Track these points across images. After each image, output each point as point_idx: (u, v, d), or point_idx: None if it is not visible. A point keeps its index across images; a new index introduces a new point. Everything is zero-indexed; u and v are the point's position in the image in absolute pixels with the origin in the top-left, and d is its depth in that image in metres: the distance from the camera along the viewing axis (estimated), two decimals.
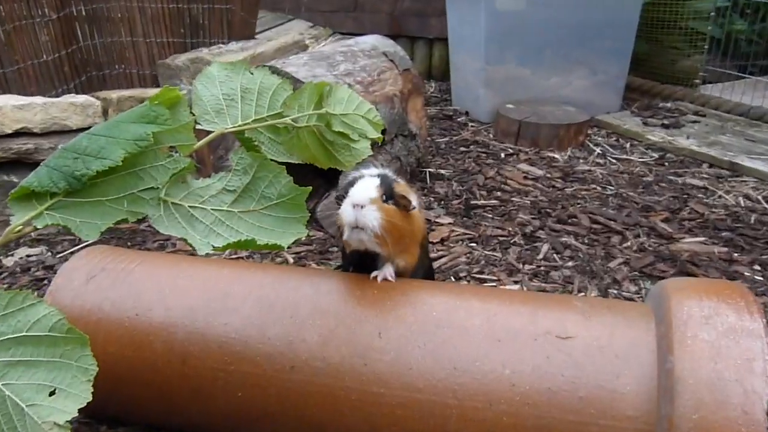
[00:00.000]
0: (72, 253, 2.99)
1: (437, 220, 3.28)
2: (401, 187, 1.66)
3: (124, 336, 1.65)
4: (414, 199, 1.67)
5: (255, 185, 1.42)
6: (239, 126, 1.48)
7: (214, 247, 1.33)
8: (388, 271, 1.67)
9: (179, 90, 1.40)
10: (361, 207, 1.55)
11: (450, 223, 3.25)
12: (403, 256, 1.69)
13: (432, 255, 2.87)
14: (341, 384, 1.51)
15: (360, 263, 1.68)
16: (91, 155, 1.23)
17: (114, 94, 3.60)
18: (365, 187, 1.57)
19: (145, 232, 3.21)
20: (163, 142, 1.34)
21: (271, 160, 1.44)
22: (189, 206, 1.37)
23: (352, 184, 1.62)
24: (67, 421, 1.10)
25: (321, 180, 3.16)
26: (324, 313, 1.58)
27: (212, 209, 1.39)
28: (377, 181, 1.60)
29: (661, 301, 1.49)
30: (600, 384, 1.40)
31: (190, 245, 1.32)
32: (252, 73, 1.52)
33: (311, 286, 1.65)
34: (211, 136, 1.47)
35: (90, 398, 1.13)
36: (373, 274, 1.68)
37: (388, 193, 1.59)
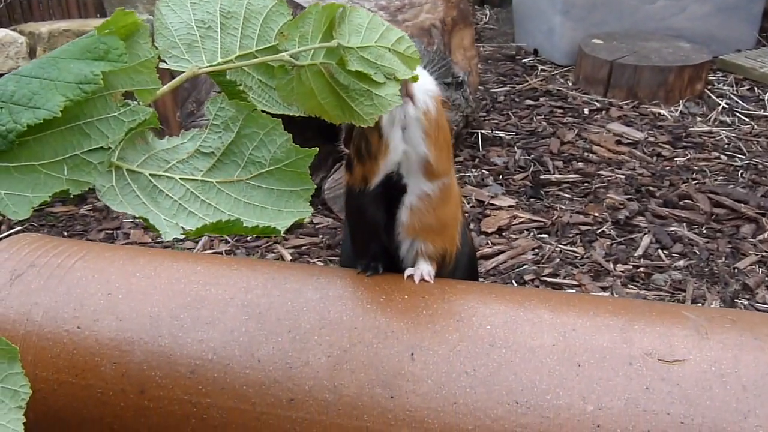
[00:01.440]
0: None
1: (493, 202, 3.29)
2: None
3: (62, 356, 1.69)
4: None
5: (240, 146, 1.42)
6: (219, 64, 1.50)
7: (184, 230, 1.35)
8: (425, 269, 1.70)
9: (137, 15, 1.42)
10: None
11: (511, 206, 3.27)
12: (439, 239, 1.72)
13: (484, 250, 2.89)
14: (359, 424, 1.54)
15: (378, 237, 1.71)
16: (19, 104, 1.24)
17: (44, 27, 3.65)
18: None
19: (86, 217, 3.28)
20: (115, 87, 1.36)
21: (263, 111, 1.46)
22: (150, 174, 1.39)
23: None
24: None
25: (329, 145, 3.19)
26: (335, 326, 1.61)
27: (182, 179, 1.40)
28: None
29: None
30: (721, 426, 1.41)
31: (152, 227, 1.34)
32: None
33: (316, 289, 1.68)
34: (180, 77, 1.48)
35: (21, 430, 1.16)
36: (408, 272, 1.71)
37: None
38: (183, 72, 1.48)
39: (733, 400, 1.43)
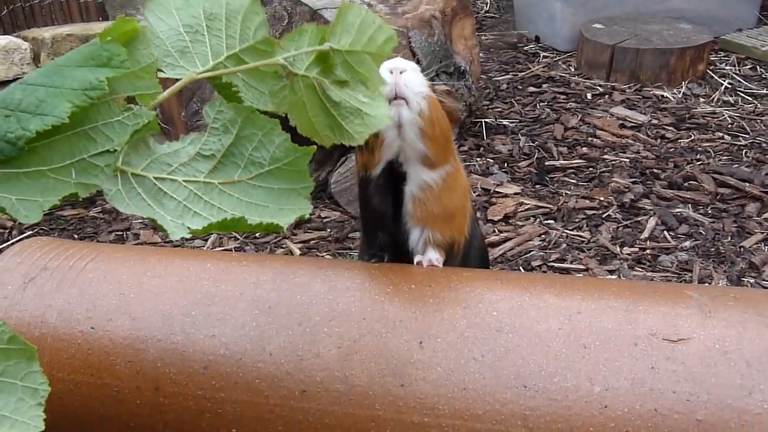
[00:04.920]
0: (1, 249, 3.09)
1: (499, 189, 3.32)
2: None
3: (77, 356, 1.72)
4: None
5: (239, 147, 1.45)
6: (213, 68, 1.52)
7: (190, 229, 1.38)
8: (433, 256, 1.73)
9: (137, 22, 1.45)
10: (401, 72, 1.63)
11: (517, 194, 3.29)
12: (447, 228, 1.75)
13: (491, 238, 2.91)
14: (370, 413, 1.56)
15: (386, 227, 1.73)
16: (27, 111, 1.27)
17: (47, 33, 3.68)
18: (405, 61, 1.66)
19: (96, 220, 3.31)
20: (118, 92, 1.38)
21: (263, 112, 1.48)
22: (154, 178, 1.42)
23: None
24: None
25: None
26: (344, 317, 1.63)
27: (185, 181, 1.43)
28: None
29: None
30: (726, 402, 1.43)
31: (160, 227, 1.37)
32: None
33: (325, 281, 1.70)
34: (178, 84, 1.50)
35: (42, 426, 1.19)
36: (417, 258, 1.74)
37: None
38: (180, 78, 1.50)
39: (738, 377, 1.45)
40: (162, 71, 1.49)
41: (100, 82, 1.30)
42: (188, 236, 1.38)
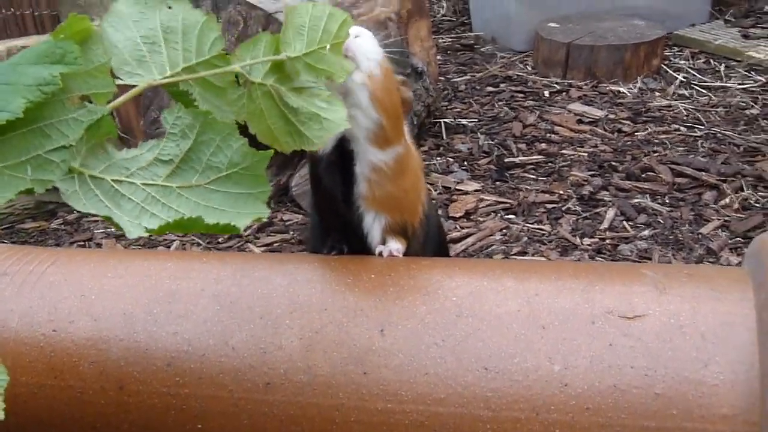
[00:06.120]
0: None
1: (459, 187, 3.34)
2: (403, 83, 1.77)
3: (39, 359, 1.72)
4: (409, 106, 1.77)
5: (197, 152, 1.46)
6: (170, 76, 1.53)
7: (147, 228, 1.39)
8: (393, 246, 1.75)
9: (90, 20, 1.46)
10: (355, 36, 1.63)
11: (477, 190, 3.32)
12: (400, 211, 1.77)
13: (452, 234, 2.93)
14: (334, 402, 1.58)
15: (333, 196, 1.75)
16: None
17: (1, 46, 3.67)
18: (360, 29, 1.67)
19: (58, 231, 3.30)
20: (72, 91, 1.39)
21: None
22: (112, 180, 1.43)
23: None
24: None
25: None
26: (305, 308, 1.64)
27: (143, 184, 1.44)
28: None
29: (763, 259, 1.55)
30: (683, 375, 1.46)
31: (117, 226, 1.38)
32: (170, 7, 1.56)
33: (285, 275, 1.71)
34: (136, 89, 1.51)
35: (1, 416, 1.20)
36: (378, 249, 1.76)
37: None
38: (137, 85, 1.51)
39: (693, 350, 1.48)
40: (119, 78, 1.50)
41: (53, 77, 1.31)
42: (145, 235, 1.39)
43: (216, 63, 1.55)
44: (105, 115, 1.39)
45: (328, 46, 1.55)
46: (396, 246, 1.76)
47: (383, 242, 1.77)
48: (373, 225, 1.76)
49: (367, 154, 1.70)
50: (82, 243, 3.19)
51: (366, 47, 1.65)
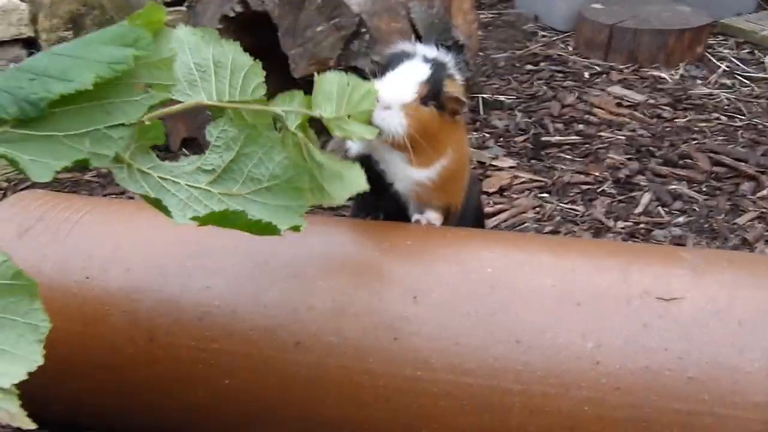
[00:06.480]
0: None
1: (495, 163, 3.32)
2: (454, 85, 1.72)
3: (72, 306, 1.73)
4: (466, 104, 1.74)
5: (239, 164, 1.52)
6: (218, 102, 1.58)
7: (192, 217, 1.43)
8: (432, 215, 1.74)
9: (164, 13, 1.49)
10: (387, 108, 1.64)
11: (512, 167, 3.30)
12: (444, 197, 1.76)
13: (486, 209, 2.92)
14: (363, 366, 1.58)
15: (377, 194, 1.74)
16: (53, 77, 1.32)
17: None
18: (403, 80, 1.66)
19: (91, 183, 3.31)
20: (139, 77, 1.43)
21: None
22: (159, 177, 1.48)
23: (394, 62, 1.72)
24: (13, 385, 1.21)
25: None
26: (338, 270, 1.64)
27: (187, 184, 1.49)
28: (425, 70, 1.68)
29: None
30: (717, 361, 1.44)
31: (165, 210, 1.42)
32: (222, 46, 1.62)
33: (320, 235, 1.71)
34: (185, 104, 1.57)
35: (41, 361, 1.24)
36: (415, 217, 1.76)
37: (435, 91, 1.67)
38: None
39: (730, 336, 1.46)
40: (171, 94, 1.55)
41: (126, 56, 1.36)
42: (190, 223, 1.44)
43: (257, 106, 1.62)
44: (156, 121, 1.47)
45: (351, 114, 1.63)
46: (434, 215, 1.75)
47: (421, 212, 1.76)
48: (416, 207, 1.76)
49: (407, 174, 1.72)
50: (115, 196, 3.20)
51: (391, 118, 1.65)
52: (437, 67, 1.70)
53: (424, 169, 1.71)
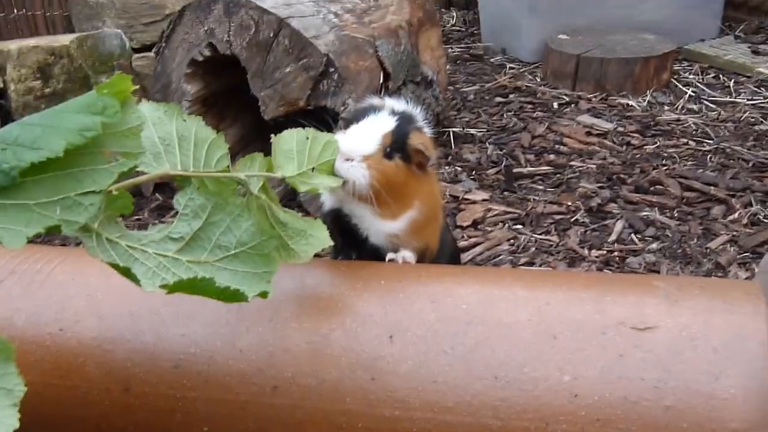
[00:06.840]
0: None
1: (468, 196, 3.33)
2: (420, 137, 1.73)
3: (45, 359, 1.71)
4: (433, 156, 1.74)
5: (207, 232, 1.54)
6: (183, 172, 1.61)
7: (161, 285, 1.44)
8: (406, 254, 1.74)
9: (131, 82, 1.50)
10: (348, 160, 1.66)
11: (485, 200, 3.31)
12: (419, 240, 1.76)
13: (460, 243, 2.93)
14: (341, 407, 1.56)
15: (353, 244, 1.75)
16: (24, 145, 1.33)
17: (13, 45, 3.67)
18: (365, 132, 1.67)
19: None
20: (107, 146, 1.44)
21: None
22: (127, 245, 1.49)
23: (360, 116, 1.73)
24: None
25: None
26: (313, 312, 1.63)
27: (155, 252, 1.51)
28: (390, 123, 1.70)
29: None
30: (693, 388, 1.44)
31: (133, 279, 1.43)
32: (185, 120, 1.66)
33: (294, 279, 1.70)
34: (151, 174, 1.60)
35: (17, 425, 1.22)
36: (389, 256, 1.76)
37: (399, 143, 1.68)
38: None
39: (705, 363, 1.46)
40: (139, 162, 1.57)
41: (95, 124, 1.38)
42: (158, 291, 1.45)
43: (221, 177, 1.65)
44: (123, 191, 1.48)
45: (314, 168, 1.67)
46: (408, 254, 1.75)
47: (396, 251, 1.77)
48: (401, 249, 1.78)
49: (378, 227, 1.75)
50: None
51: (353, 170, 1.66)
52: (403, 119, 1.72)
53: (392, 221, 1.73)
